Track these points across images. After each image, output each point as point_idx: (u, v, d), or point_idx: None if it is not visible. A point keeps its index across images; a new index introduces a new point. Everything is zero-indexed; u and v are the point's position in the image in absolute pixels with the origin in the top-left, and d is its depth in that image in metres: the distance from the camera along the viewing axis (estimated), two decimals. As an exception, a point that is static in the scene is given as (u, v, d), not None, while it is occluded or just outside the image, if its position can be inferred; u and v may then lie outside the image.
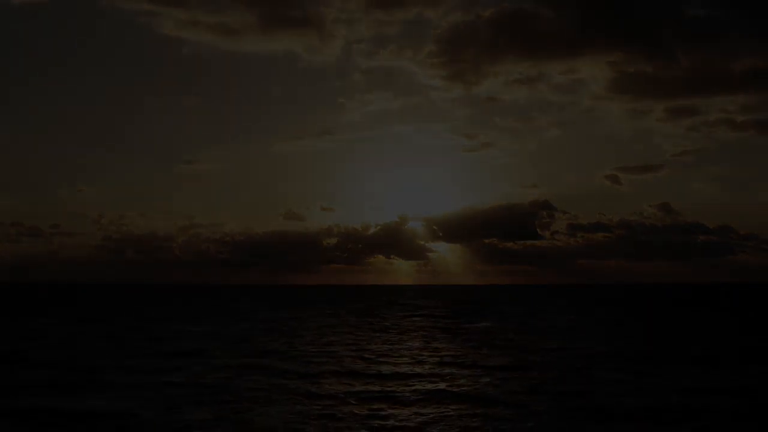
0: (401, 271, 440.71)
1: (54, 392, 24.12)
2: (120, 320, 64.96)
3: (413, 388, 25.03)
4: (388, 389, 24.75)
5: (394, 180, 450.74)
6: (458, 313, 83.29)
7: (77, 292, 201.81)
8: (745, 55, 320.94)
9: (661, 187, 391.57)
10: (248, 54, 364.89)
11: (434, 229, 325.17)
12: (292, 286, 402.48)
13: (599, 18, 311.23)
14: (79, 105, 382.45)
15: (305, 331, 52.08)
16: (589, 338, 44.91)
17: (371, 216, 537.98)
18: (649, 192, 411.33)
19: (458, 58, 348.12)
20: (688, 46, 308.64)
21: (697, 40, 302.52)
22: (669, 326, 56.87)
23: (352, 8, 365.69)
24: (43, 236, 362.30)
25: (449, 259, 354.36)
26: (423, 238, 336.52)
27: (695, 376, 27.80)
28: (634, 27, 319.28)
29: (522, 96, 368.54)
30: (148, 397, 23.07)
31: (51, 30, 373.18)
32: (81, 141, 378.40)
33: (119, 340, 43.47)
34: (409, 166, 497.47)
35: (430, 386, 25.36)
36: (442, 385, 25.56)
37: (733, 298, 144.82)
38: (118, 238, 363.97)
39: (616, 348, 38.51)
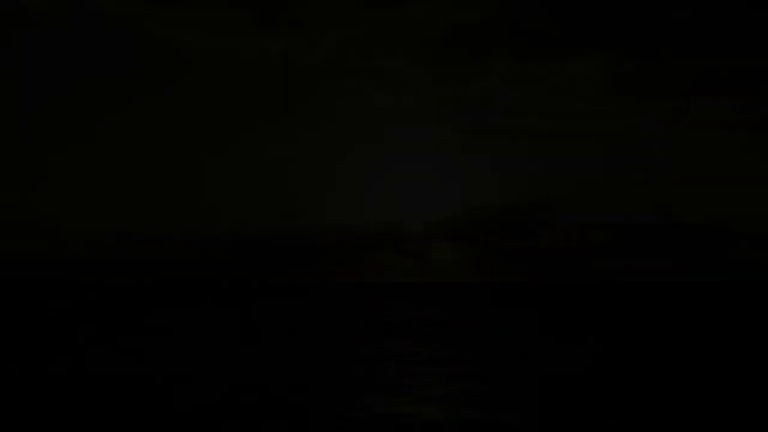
0: (401, 270, 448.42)
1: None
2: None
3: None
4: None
5: (392, 179, 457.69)
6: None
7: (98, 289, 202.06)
8: (737, 54, 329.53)
9: (659, 185, 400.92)
10: (242, 53, 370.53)
11: (433, 228, 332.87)
12: (292, 285, 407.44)
13: (590, 18, 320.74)
14: (77, 102, 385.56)
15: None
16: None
17: (370, 215, 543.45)
18: (647, 191, 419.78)
19: (450, 57, 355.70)
20: (679, 46, 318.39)
21: (687, 40, 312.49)
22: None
23: (344, 8, 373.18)
24: (42, 233, 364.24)
25: (449, 257, 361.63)
26: (422, 237, 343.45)
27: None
28: (625, 28, 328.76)
29: (515, 95, 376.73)
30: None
31: (43, 29, 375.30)
32: (79, 138, 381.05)
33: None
34: (406, 165, 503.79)
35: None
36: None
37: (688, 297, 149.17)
38: (117, 236, 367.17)
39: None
